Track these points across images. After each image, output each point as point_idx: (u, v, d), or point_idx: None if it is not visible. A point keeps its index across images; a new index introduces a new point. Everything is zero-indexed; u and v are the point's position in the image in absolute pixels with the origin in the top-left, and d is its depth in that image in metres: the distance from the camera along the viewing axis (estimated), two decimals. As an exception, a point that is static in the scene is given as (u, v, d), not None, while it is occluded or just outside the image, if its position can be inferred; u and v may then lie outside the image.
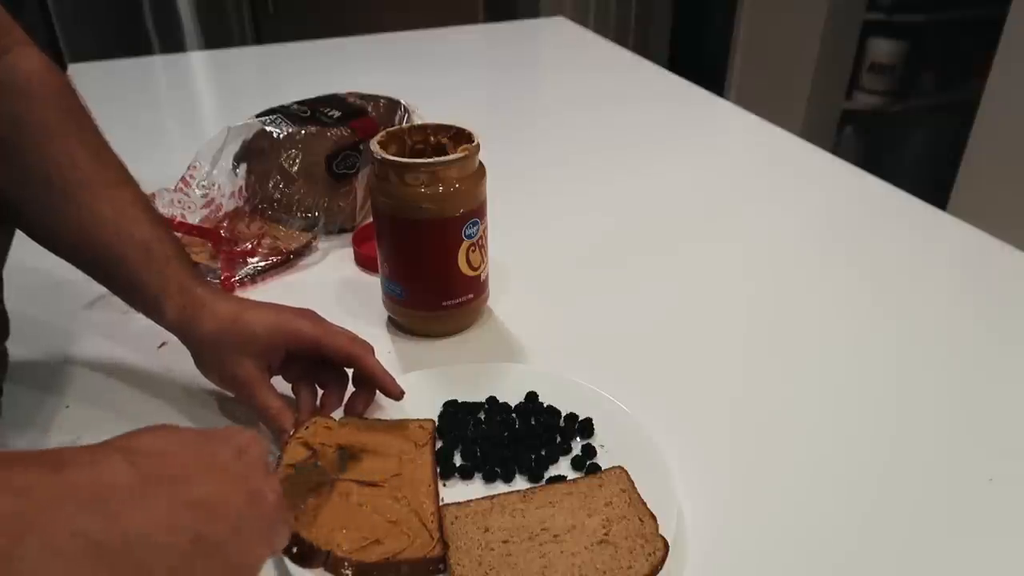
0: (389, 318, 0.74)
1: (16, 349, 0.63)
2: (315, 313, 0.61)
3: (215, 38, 2.35)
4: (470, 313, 0.73)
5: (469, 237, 0.67)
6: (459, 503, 0.52)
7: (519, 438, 0.58)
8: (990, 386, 0.67)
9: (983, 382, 0.67)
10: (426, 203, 0.65)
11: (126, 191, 0.59)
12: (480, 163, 0.68)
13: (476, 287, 0.71)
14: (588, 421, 0.59)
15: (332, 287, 0.80)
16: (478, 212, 0.68)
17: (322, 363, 0.60)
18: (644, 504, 0.51)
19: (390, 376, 0.59)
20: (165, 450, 0.36)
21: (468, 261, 0.68)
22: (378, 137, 0.67)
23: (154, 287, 0.58)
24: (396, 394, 0.59)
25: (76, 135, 0.58)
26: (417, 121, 0.91)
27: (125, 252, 0.58)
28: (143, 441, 0.36)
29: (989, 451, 0.60)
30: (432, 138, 0.70)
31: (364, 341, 0.60)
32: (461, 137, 0.68)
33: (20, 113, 0.57)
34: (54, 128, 0.57)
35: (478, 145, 0.67)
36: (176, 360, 0.69)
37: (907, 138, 2.66)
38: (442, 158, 0.65)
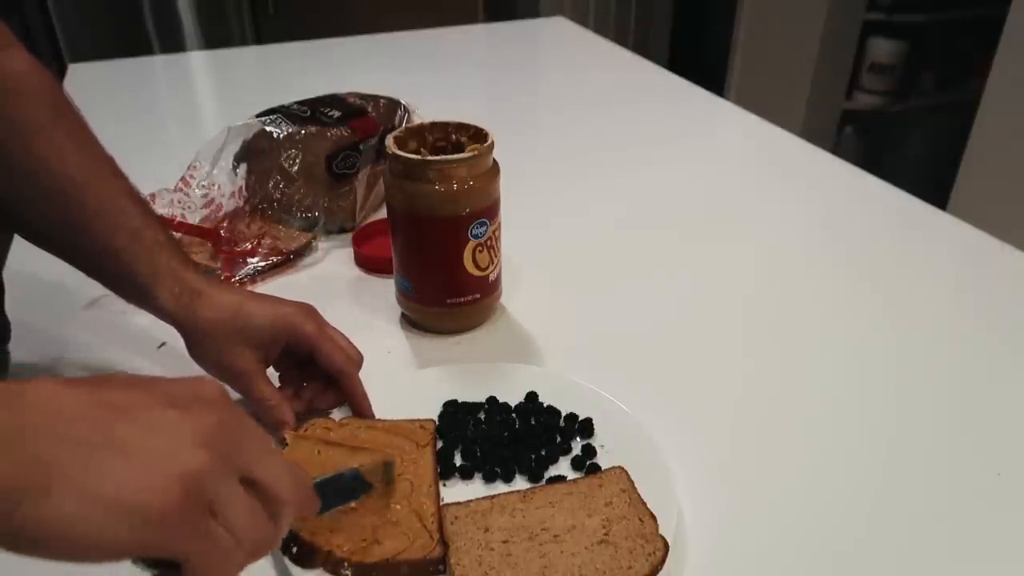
0: (402, 312, 0.74)
1: (16, 350, 0.63)
2: (315, 311, 0.61)
3: (215, 38, 2.35)
4: (478, 312, 0.72)
5: (476, 237, 0.67)
6: (459, 503, 0.52)
7: (519, 438, 0.58)
8: (990, 386, 0.67)
9: (983, 382, 0.67)
10: (432, 200, 0.65)
11: (114, 183, 0.59)
12: (495, 163, 0.68)
13: (484, 287, 0.70)
14: (588, 421, 0.59)
15: (332, 287, 0.80)
16: (487, 212, 0.67)
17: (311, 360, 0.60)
18: (644, 504, 0.51)
19: (367, 401, 0.60)
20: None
21: (475, 261, 0.68)
22: (395, 132, 0.68)
23: (145, 274, 0.58)
24: (368, 417, 0.60)
25: (63, 131, 0.58)
26: (417, 120, 0.90)
27: (113, 241, 0.57)
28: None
29: (992, 449, 0.60)
30: (453, 136, 0.70)
31: (356, 356, 0.60)
32: (479, 136, 0.68)
33: (5, 111, 0.57)
34: (40, 124, 0.57)
35: (490, 145, 0.66)
36: (176, 360, 0.69)
37: (907, 138, 2.65)
38: (449, 156, 0.65)
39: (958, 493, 0.56)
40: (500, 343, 0.72)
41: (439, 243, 0.67)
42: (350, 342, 0.61)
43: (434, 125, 0.70)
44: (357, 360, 0.60)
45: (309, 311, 0.60)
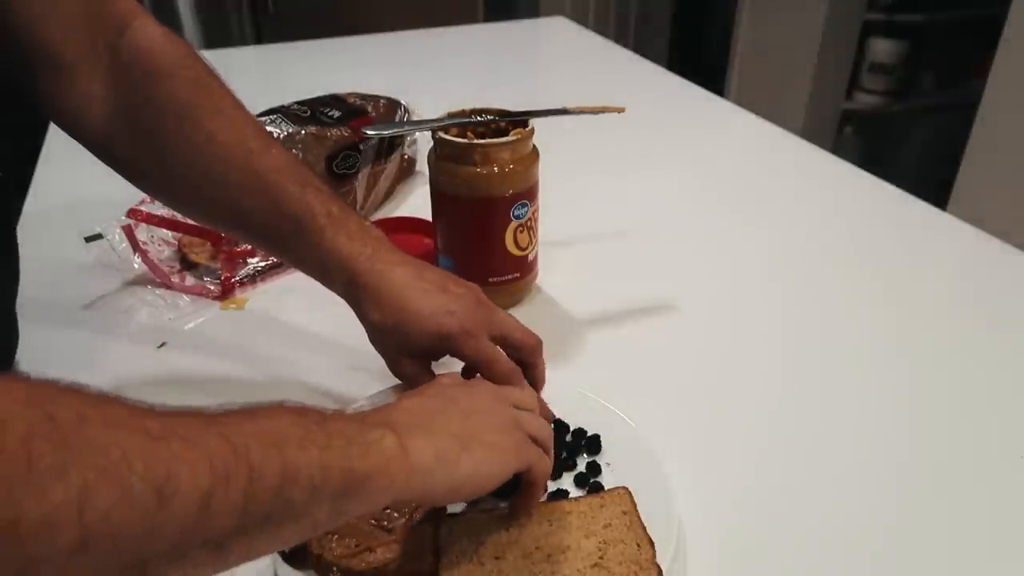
0: None
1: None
2: (478, 316, 0.55)
3: (215, 38, 2.35)
4: (517, 291, 0.76)
5: (518, 218, 0.70)
6: (456, 514, 0.51)
7: None
8: (990, 387, 0.66)
9: (983, 382, 0.67)
10: (477, 182, 0.68)
11: (268, 159, 0.56)
12: (534, 148, 0.71)
13: (523, 267, 0.74)
14: (596, 438, 0.58)
15: (332, 287, 0.80)
16: (528, 195, 0.71)
17: None
18: (644, 529, 0.49)
19: (541, 384, 0.58)
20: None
21: (516, 241, 0.71)
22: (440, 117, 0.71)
23: (313, 268, 0.57)
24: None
25: (209, 108, 0.57)
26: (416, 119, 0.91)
27: (276, 230, 0.56)
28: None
29: (991, 450, 0.60)
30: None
31: (531, 345, 0.57)
32: (518, 123, 0.71)
33: (152, 96, 0.56)
34: (187, 105, 0.56)
35: (531, 130, 0.70)
36: (176, 360, 0.69)
37: (907, 138, 2.65)
38: (493, 140, 0.68)
39: (958, 494, 0.56)
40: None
41: (483, 223, 0.70)
42: (522, 332, 0.57)
43: (475, 112, 0.72)
44: (532, 349, 0.57)
45: (472, 321, 0.55)
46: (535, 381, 0.58)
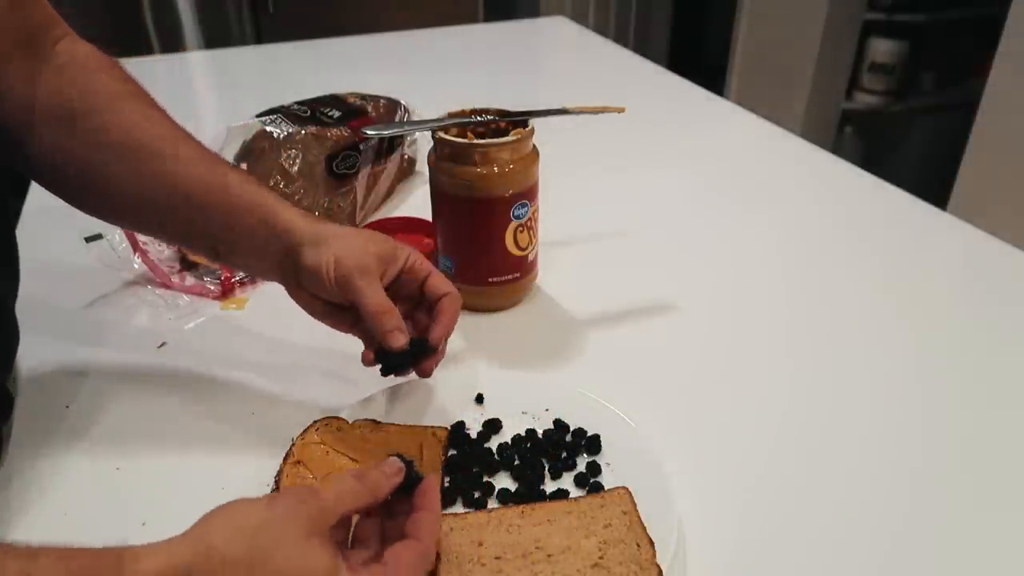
0: None
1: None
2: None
3: (215, 38, 2.35)
4: (516, 291, 0.76)
5: (518, 218, 0.70)
6: (456, 514, 0.51)
7: (523, 455, 0.57)
8: (988, 387, 0.66)
9: (983, 382, 0.67)
10: (477, 182, 0.68)
11: (198, 143, 0.61)
12: (534, 148, 0.71)
13: (523, 267, 0.74)
14: (596, 438, 0.58)
15: (332, 287, 0.80)
16: (528, 194, 0.71)
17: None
18: (644, 529, 0.49)
19: (439, 356, 0.60)
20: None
21: (516, 241, 0.72)
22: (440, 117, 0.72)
23: (265, 201, 0.58)
24: (428, 370, 0.59)
25: (142, 98, 0.60)
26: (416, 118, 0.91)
27: (223, 178, 0.58)
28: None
29: (991, 450, 0.60)
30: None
31: (458, 299, 0.60)
32: (518, 123, 0.71)
33: (86, 83, 0.59)
34: (121, 92, 0.59)
35: (531, 130, 0.70)
36: (176, 360, 0.69)
37: (907, 138, 2.65)
38: (493, 140, 0.68)
39: (958, 493, 0.56)
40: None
41: (483, 223, 0.71)
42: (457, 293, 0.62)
43: (475, 112, 0.72)
44: (457, 304, 0.60)
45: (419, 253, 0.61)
46: (448, 313, 0.59)
